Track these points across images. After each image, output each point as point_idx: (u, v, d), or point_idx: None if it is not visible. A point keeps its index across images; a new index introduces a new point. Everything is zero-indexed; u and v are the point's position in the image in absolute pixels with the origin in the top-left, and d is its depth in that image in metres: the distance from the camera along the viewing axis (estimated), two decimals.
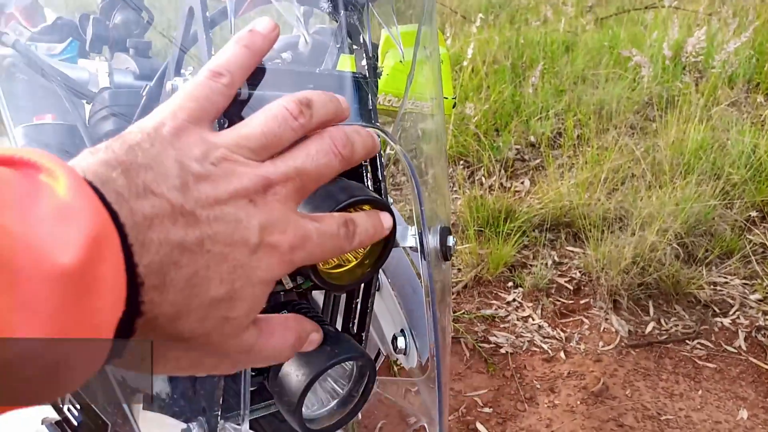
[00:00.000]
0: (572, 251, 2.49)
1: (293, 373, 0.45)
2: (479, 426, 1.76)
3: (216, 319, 0.28)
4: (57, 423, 0.48)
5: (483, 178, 2.93)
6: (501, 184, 2.88)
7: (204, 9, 0.43)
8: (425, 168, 0.59)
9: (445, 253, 0.53)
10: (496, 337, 2.10)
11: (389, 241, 0.48)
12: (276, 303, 0.54)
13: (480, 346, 2.05)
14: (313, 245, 0.31)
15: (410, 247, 0.52)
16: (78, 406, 0.46)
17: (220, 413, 0.46)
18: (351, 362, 0.49)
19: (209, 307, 0.27)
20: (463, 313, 2.21)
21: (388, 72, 0.91)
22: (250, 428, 0.48)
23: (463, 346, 2.06)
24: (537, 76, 3.38)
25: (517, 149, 3.16)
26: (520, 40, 3.94)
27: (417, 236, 0.51)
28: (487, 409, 1.82)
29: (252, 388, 0.49)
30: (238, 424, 0.45)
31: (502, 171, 2.93)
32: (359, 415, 0.52)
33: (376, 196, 0.48)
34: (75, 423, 0.47)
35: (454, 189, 2.93)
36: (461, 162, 3.05)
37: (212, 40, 0.44)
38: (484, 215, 2.57)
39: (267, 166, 0.30)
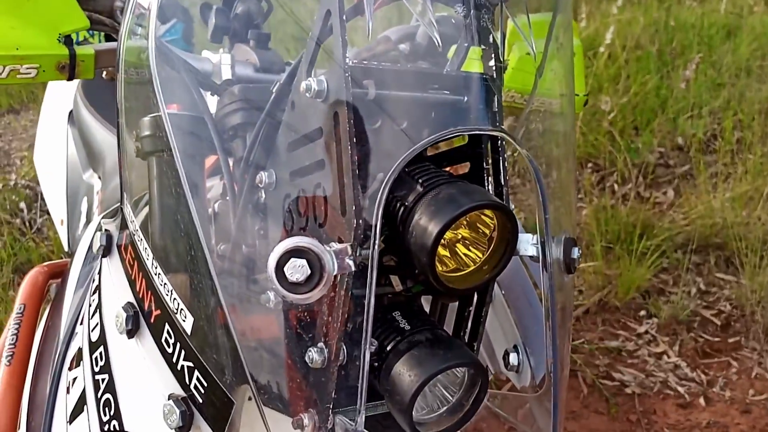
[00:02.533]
0: (723, 279, 2.41)
1: (406, 373, 0.53)
2: None
3: None
4: (183, 399, 0.58)
5: (616, 185, 2.89)
6: (638, 193, 2.83)
7: (342, 11, 0.52)
8: (551, 173, 0.65)
9: (569, 265, 0.58)
10: (621, 373, 2.08)
11: (510, 247, 0.54)
12: (387, 304, 0.62)
13: (601, 383, 2.04)
14: None
15: (530, 257, 0.58)
16: (205, 383, 0.56)
17: (331, 406, 0.54)
18: (463, 369, 0.56)
19: None
20: (583, 342, 2.21)
21: (513, 65, 0.97)
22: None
23: (580, 381, 2.06)
24: (692, 69, 3.26)
25: (660, 152, 3.08)
26: (670, 22, 3.82)
27: (539, 245, 0.57)
28: None
29: None
30: (351, 420, 0.53)
31: (640, 178, 2.88)
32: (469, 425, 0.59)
33: (499, 201, 0.54)
34: (200, 400, 0.57)
35: (580, 196, 2.91)
36: (590, 165, 3.02)
37: (347, 41, 0.53)
38: (614, 229, 2.54)
39: None
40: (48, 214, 2.52)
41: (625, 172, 2.90)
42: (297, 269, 0.48)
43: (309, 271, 0.48)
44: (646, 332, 2.24)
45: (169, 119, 0.59)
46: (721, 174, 2.81)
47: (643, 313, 2.31)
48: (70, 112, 1.62)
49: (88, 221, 1.39)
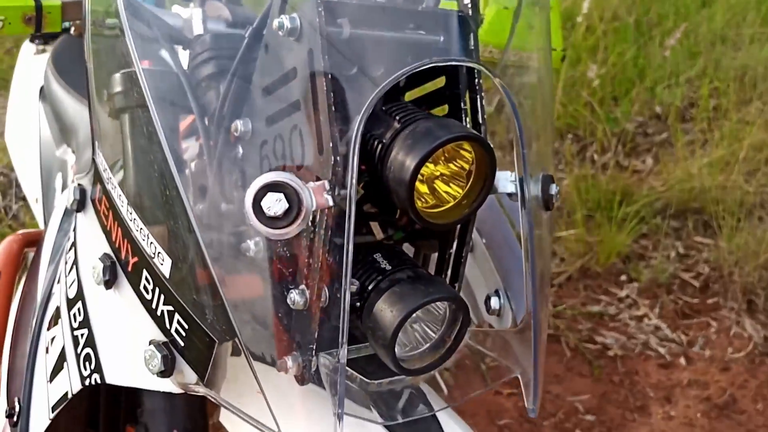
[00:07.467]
0: (701, 242, 2.44)
1: (387, 309, 0.53)
2: None
3: None
4: (164, 344, 0.58)
5: (595, 155, 2.90)
6: (617, 162, 2.85)
7: None
8: (529, 114, 0.65)
9: (547, 201, 0.58)
10: (603, 337, 2.11)
11: (488, 181, 0.54)
12: (368, 248, 0.62)
13: (584, 347, 2.06)
14: None
15: (509, 194, 0.58)
16: (186, 326, 0.56)
17: (315, 347, 0.54)
18: (444, 305, 0.56)
19: None
20: (566, 308, 2.23)
21: (489, 20, 0.96)
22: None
23: (563, 346, 2.08)
24: (675, 38, 3.25)
25: (638, 122, 3.10)
26: None
27: (517, 182, 0.57)
28: (589, 417, 1.84)
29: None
30: (334, 358, 0.53)
31: (620, 147, 2.89)
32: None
33: (478, 134, 0.54)
34: (182, 343, 0.57)
35: (560, 167, 2.92)
36: (570, 135, 3.03)
37: None
38: (595, 197, 2.55)
39: None
40: (24, 200, 2.48)
41: (605, 141, 2.91)
42: (275, 203, 0.48)
43: (287, 205, 0.48)
44: (627, 296, 2.26)
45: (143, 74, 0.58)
46: (698, 140, 2.83)
47: (623, 277, 2.33)
48: (41, 88, 1.59)
49: None
